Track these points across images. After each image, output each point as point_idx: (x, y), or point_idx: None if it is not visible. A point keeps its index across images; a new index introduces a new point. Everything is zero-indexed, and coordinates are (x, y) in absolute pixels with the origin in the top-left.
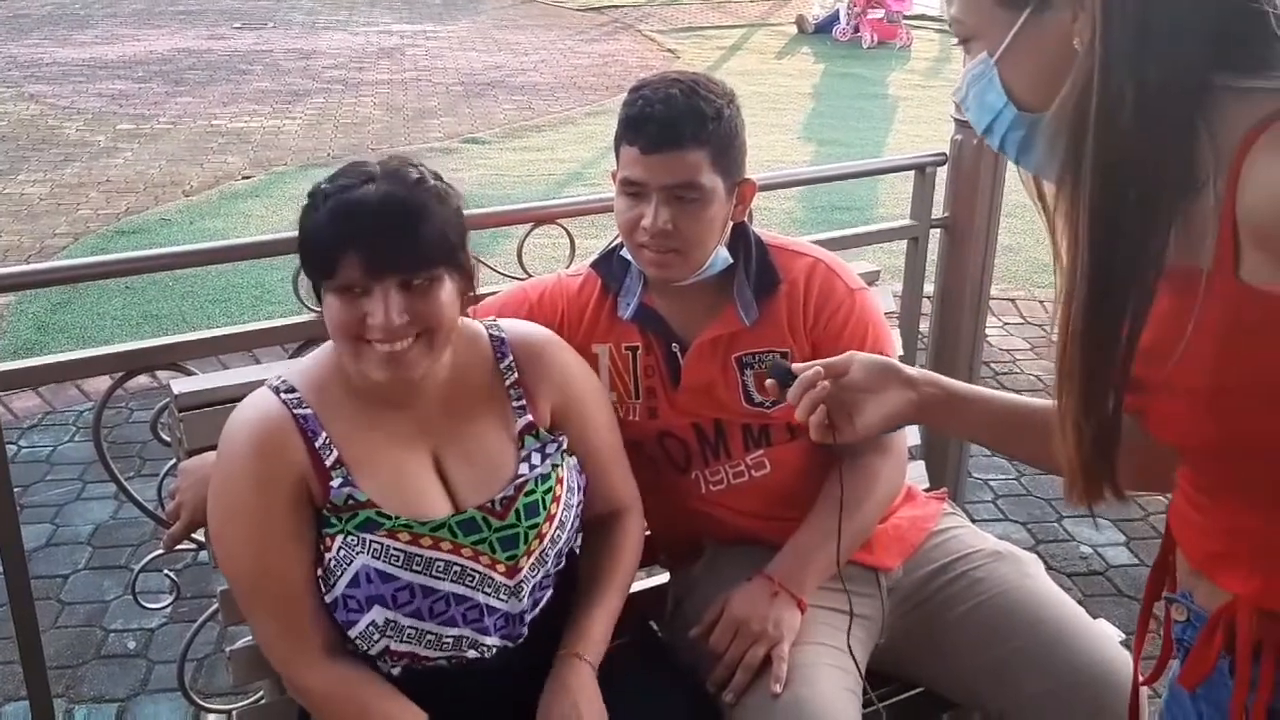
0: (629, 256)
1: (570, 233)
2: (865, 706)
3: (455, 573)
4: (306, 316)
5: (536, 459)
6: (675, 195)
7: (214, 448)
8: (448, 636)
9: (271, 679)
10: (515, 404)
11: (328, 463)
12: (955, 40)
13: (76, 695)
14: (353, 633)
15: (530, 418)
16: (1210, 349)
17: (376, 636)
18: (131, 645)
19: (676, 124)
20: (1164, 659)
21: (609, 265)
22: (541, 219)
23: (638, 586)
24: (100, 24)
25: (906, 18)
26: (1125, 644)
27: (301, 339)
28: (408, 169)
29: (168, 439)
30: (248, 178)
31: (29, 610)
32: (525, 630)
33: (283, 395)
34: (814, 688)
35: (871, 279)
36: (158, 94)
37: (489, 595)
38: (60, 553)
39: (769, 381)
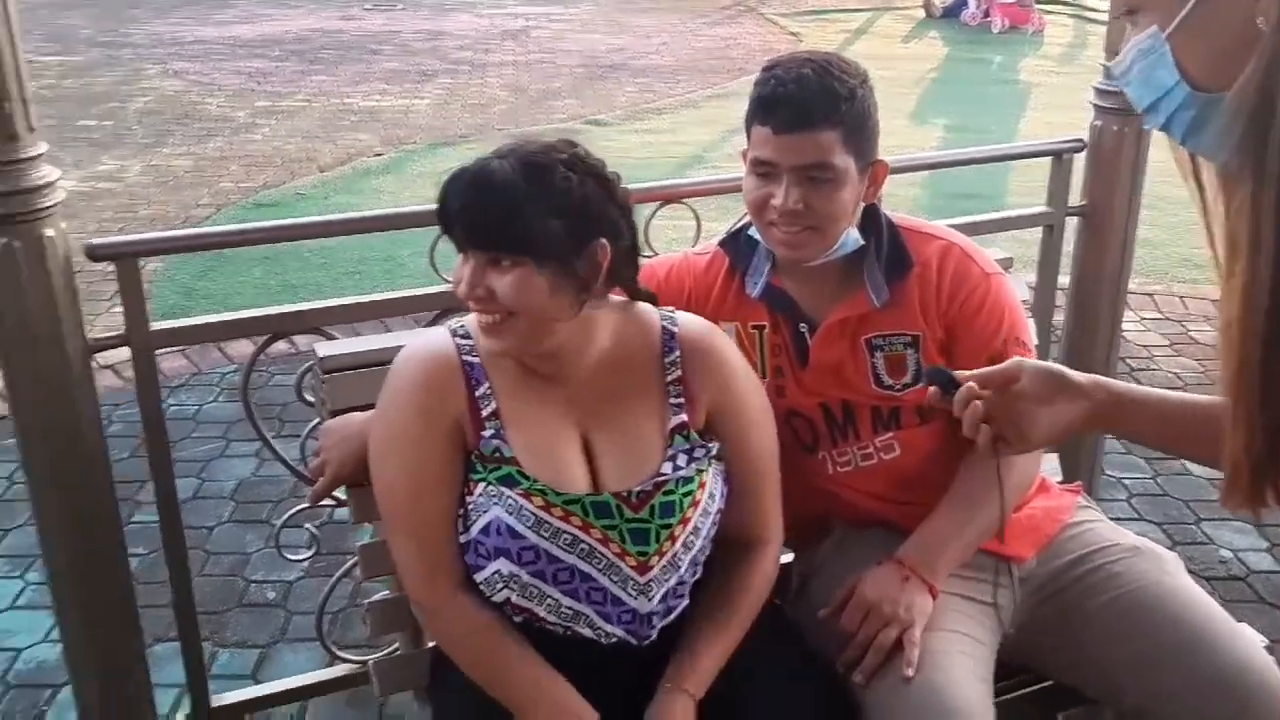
0: (757, 236)
1: (696, 212)
2: (996, 696)
3: (583, 550)
4: (442, 287)
5: (682, 460)
6: (807, 175)
7: (356, 409)
8: (566, 607)
9: (406, 632)
10: (673, 400)
11: (484, 412)
12: (1121, 11)
13: (220, 640)
14: (478, 577)
15: (685, 417)
16: None
17: (500, 585)
18: (271, 595)
19: (809, 104)
20: None
21: (736, 243)
22: (669, 198)
23: None
24: (239, 3)
25: (1039, 1)
26: (1269, 649)
27: (438, 309)
28: (544, 152)
29: (311, 400)
30: (379, 155)
31: (182, 558)
32: (654, 634)
33: (458, 339)
34: (947, 674)
35: (1005, 265)
36: (293, 72)
37: (616, 584)
38: (206, 505)
39: (931, 389)
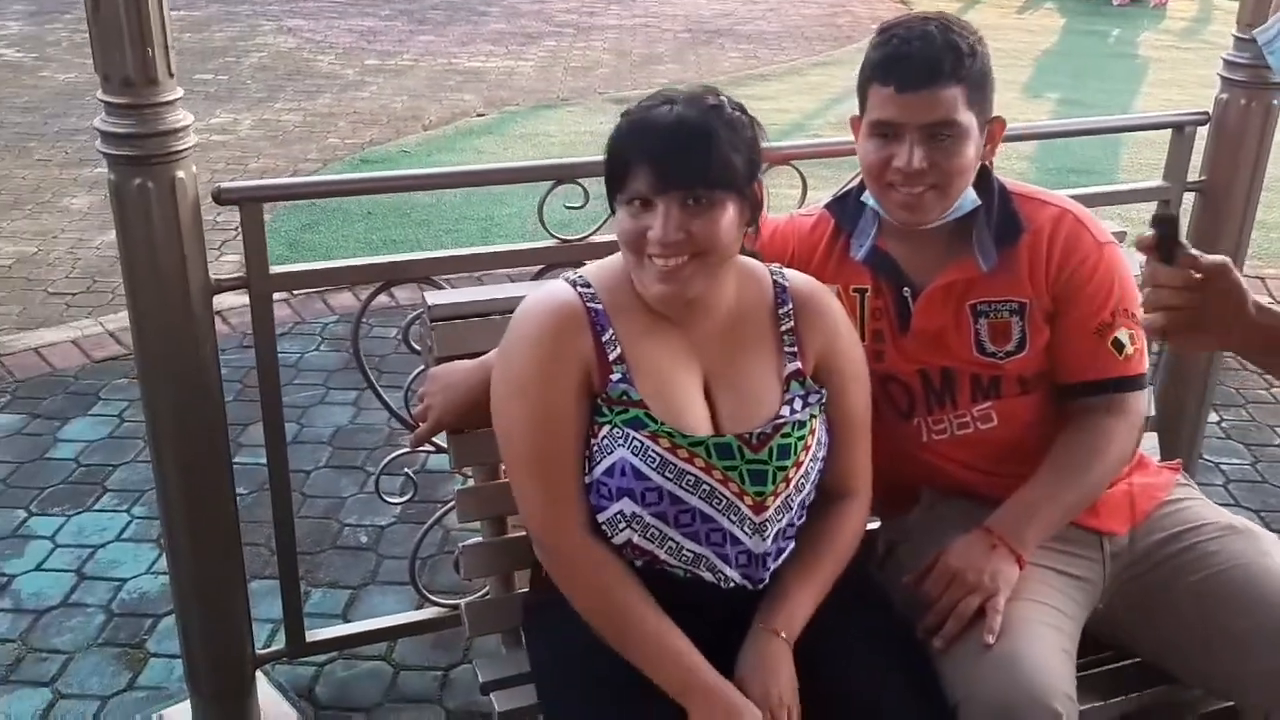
0: (867, 200)
1: (803, 174)
2: (1081, 670)
3: (704, 491)
4: (550, 242)
5: (798, 405)
6: (931, 134)
7: (461, 356)
8: (688, 550)
9: (497, 577)
10: (787, 349)
11: (611, 357)
12: None
13: (314, 580)
14: (601, 517)
15: (799, 365)
16: None
17: (622, 525)
18: (364, 539)
19: (936, 60)
20: None
21: (844, 206)
22: (776, 160)
23: None
24: None
25: None
26: None
27: (544, 263)
28: (706, 95)
29: (418, 347)
30: (481, 115)
31: (286, 499)
32: (767, 576)
33: (579, 288)
34: (1030, 644)
35: (1119, 238)
36: (402, 32)
37: (734, 524)
38: (304, 450)
39: (1150, 234)
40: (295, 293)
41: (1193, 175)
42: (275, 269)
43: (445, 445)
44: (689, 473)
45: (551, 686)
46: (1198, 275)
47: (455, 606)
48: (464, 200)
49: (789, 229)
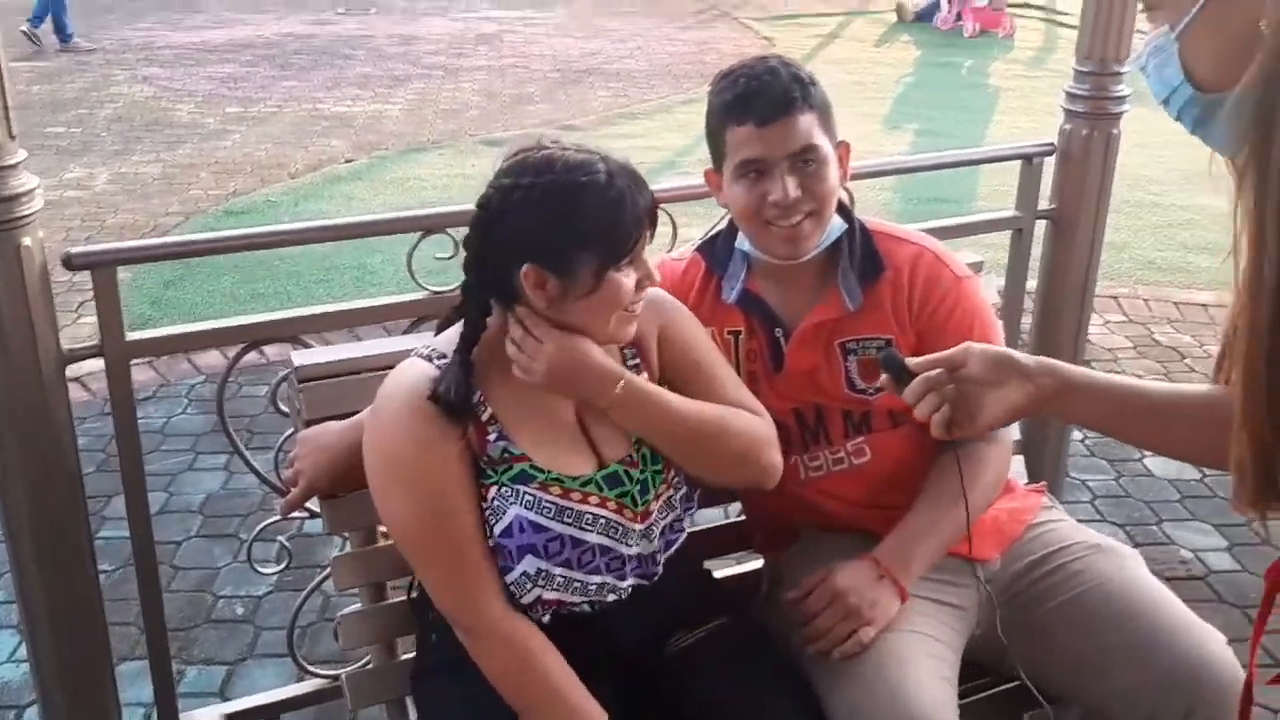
0: (739, 244)
1: (673, 217)
2: (962, 697)
3: (602, 525)
4: (421, 295)
5: None
6: (798, 162)
7: (333, 417)
8: (592, 584)
9: (380, 644)
10: (630, 362)
11: (483, 418)
12: (1141, 8)
13: (188, 657)
14: (506, 579)
15: (646, 374)
16: None
17: (529, 585)
18: (240, 611)
19: (787, 90)
20: None
21: (714, 248)
22: None
23: (732, 570)
24: (209, 8)
25: (1010, 5)
26: (1229, 645)
27: (415, 316)
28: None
29: (286, 409)
30: (350, 161)
31: (153, 573)
32: (660, 569)
33: (435, 362)
34: (912, 674)
35: (976, 269)
36: (265, 78)
37: (630, 546)
38: (173, 520)
39: (883, 376)
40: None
41: (1043, 203)
42: (132, 335)
43: (315, 510)
44: (586, 512)
45: None
46: (940, 372)
47: (337, 677)
48: (335, 249)
49: (662, 271)
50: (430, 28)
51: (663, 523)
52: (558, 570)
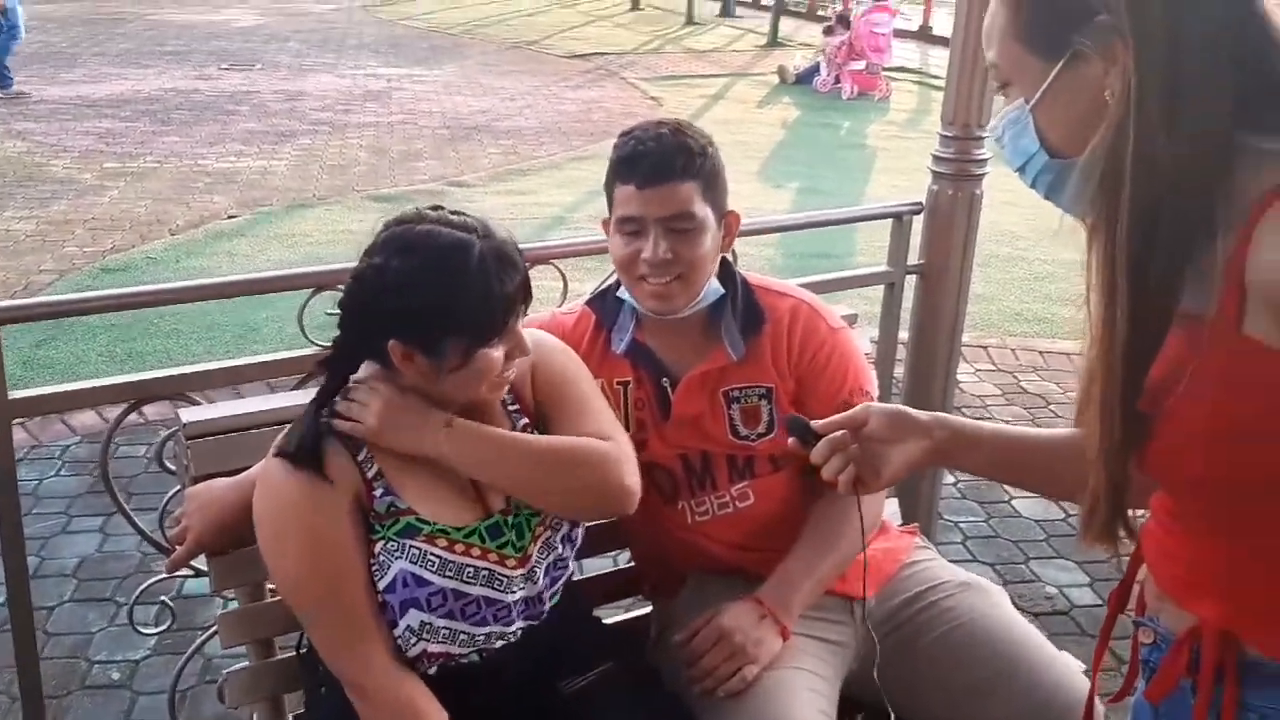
0: (624, 295)
1: (564, 273)
2: None
3: (484, 577)
4: (310, 351)
5: None
6: (672, 227)
7: (220, 474)
8: (479, 634)
9: (266, 702)
10: (511, 408)
11: (370, 475)
12: (996, 84)
13: None
14: (394, 632)
15: (526, 420)
16: (1208, 393)
17: (414, 640)
18: (116, 676)
19: (669, 158)
20: (1130, 679)
21: (603, 302)
22: (537, 259)
23: (622, 616)
24: (88, 63)
25: (886, 70)
26: (1088, 674)
27: (304, 372)
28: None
29: (172, 467)
30: (233, 217)
31: (30, 639)
32: (546, 608)
33: (323, 420)
34: (792, 709)
35: (850, 321)
36: (145, 133)
37: (513, 592)
38: (46, 585)
39: (790, 440)
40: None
41: (913, 258)
42: (14, 394)
43: (205, 568)
44: (468, 565)
45: None
46: (844, 434)
47: None
48: (216, 306)
49: (553, 326)
50: (317, 84)
51: (544, 563)
52: (441, 623)
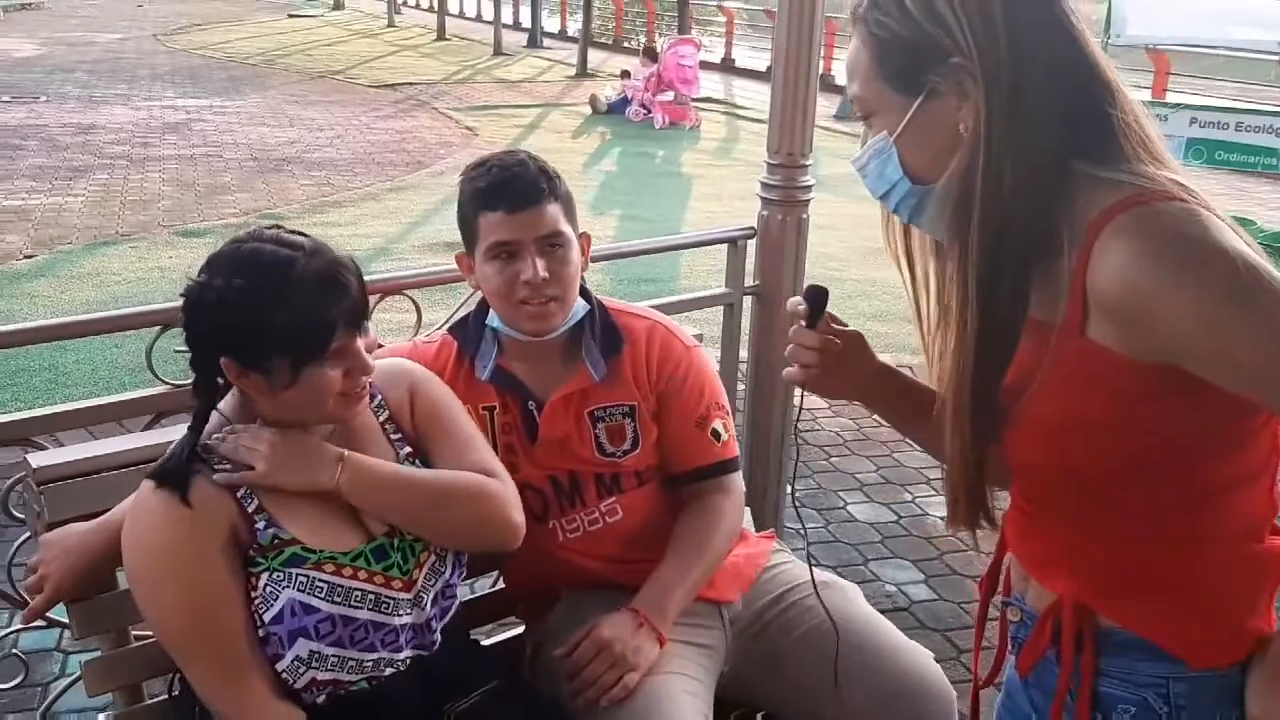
0: (489, 322)
1: (417, 302)
2: None
3: (371, 601)
4: (162, 389)
5: None
6: (546, 246)
7: (76, 519)
8: (368, 661)
9: None
10: (393, 437)
11: (250, 509)
12: (859, 116)
13: None
14: (279, 666)
15: (409, 448)
16: (1057, 391)
17: (302, 670)
18: None
19: (535, 181)
20: (1000, 658)
21: (464, 330)
22: (389, 290)
23: (498, 638)
24: None
25: (695, 100)
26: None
27: (153, 412)
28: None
29: (20, 514)
30: (30, 256)
31: None
32: (438, 637)
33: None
34: (673, 713)
35: (698, 339)
36: None
37: (400, 616)
38: None
39: (799, 305)
40: None
41: (749, 280)
42: None
43: (56, 619)
44: (355, 589)
45: None
46: (837, 342)
47: None
48: (18, 352)
49: (414, 355)
50: (110, 116)
51: (432, 589)
52: (330, 650)
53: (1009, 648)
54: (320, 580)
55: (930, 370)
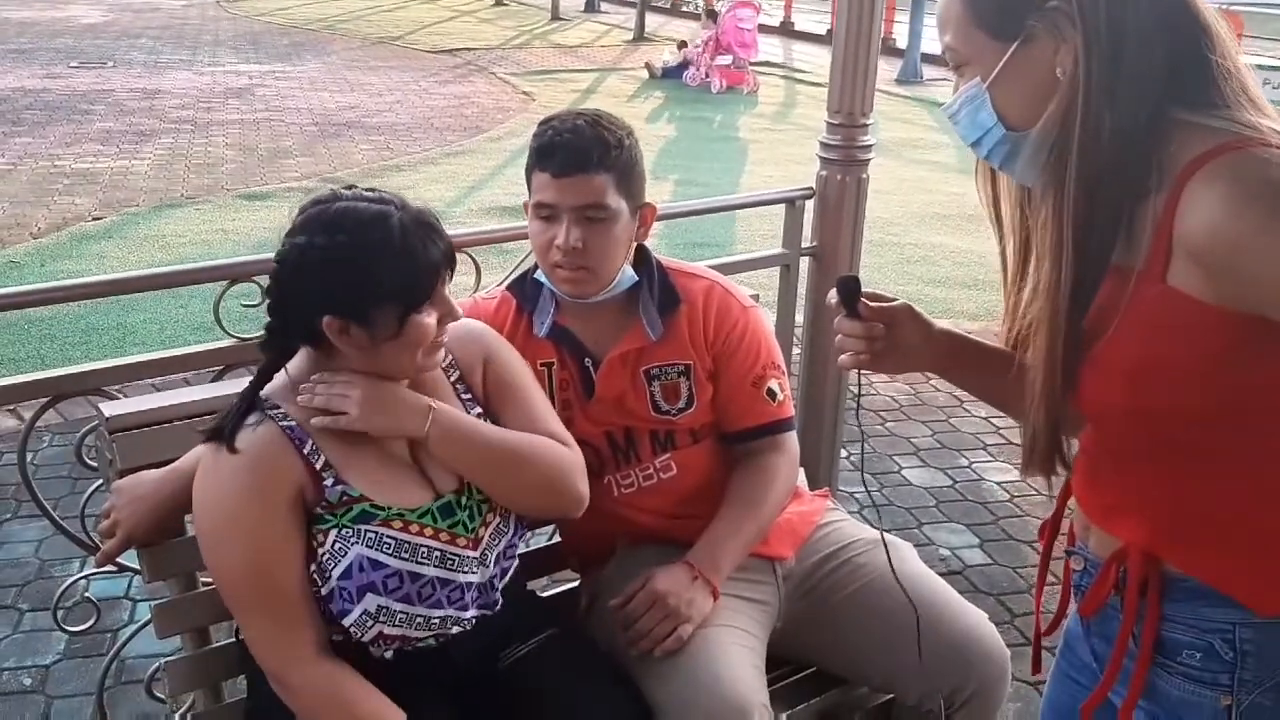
0: (542, 279)
1: (477, 260)
2: (768, 685)
3: (437, 558)
4: (227, 342)
5: None
6: (584, 216)
7: (146, 467)
8: (435, 617)
9: (206, 691)
10: (464, 397)
11: (318, 466)
12: (951, 65)
13: None
14: (347, 621)
15: (479, 409)
16: (1134, 334)
17: (370, 624)
18: (28, 682)
19: (584, 150)
20: (1061, 610)
21: (523, 287)
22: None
23: (552, 590)
24: None
25: (753, 64)
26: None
27: (221, 364)
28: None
29: (92, 463)
30: (98, 219)
31: None
32: (499, 597)
33: (268, 411)
34: (727, 664)
35: (755, 301)
36: None
37: (466, 574)
38: None
39: (834, 300)
40: None
41: (806, 242)
42: None
43: (126, 564)
44: (422, 545)
45: None
46: (879, 326)
47: None
48: (90, 310)
49: (474, 312)
50: (175, 81)
51: (495, 549)
52: (398, 606)
53: (1070, 598)
54: (388, 537)
55: (1006, 320)
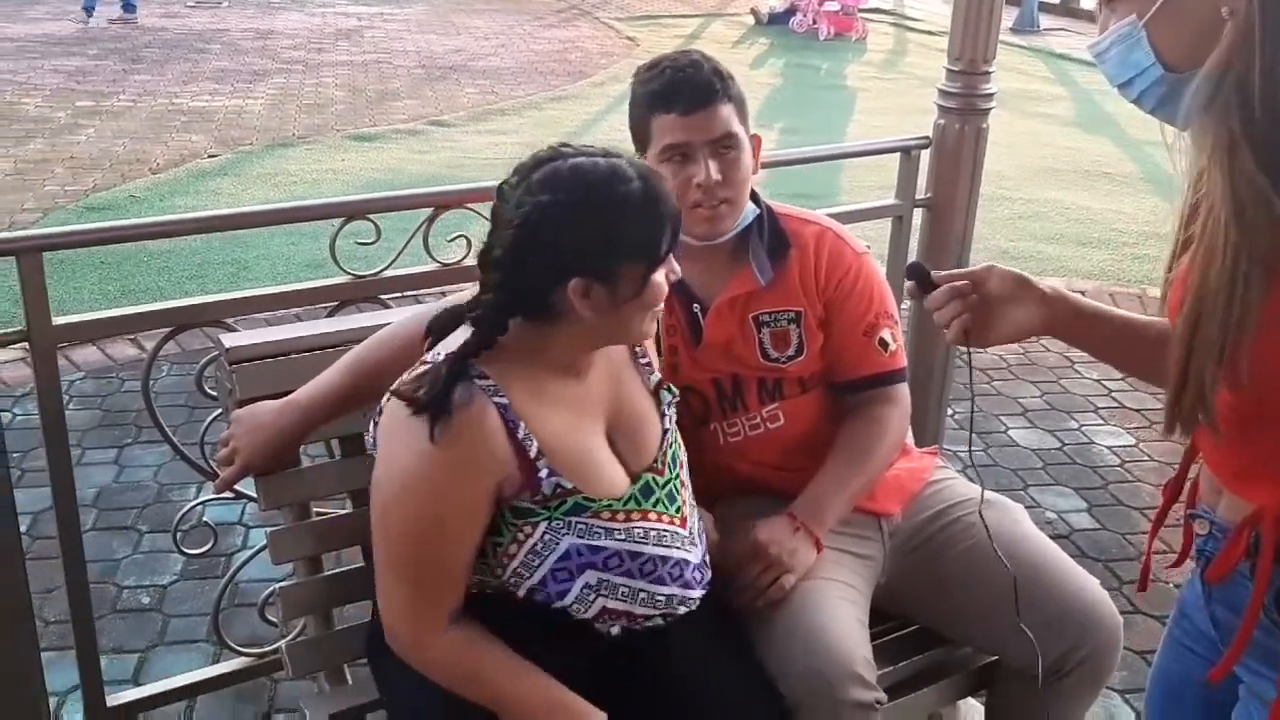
0: None
1: None
2: (871, 640)
3: (654, 536)
4: (343, 279)
5: (669, 412)
6: (719, 149)
7: (265, 397)
8: (660, 595)
9: (318, 617)
10: (644, 362)
11: (531, 454)
12: (1099, 2)
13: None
14: (566, 601)
15: (659, 375)
16: None
17: (592, 597)
18: (146, 600)
19: (709, 83)
20: (1183, 555)
21: None
22: None
23: None
24: (50, 1)
25: (862, 11)
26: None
27: (338, 300)
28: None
29: (212, 392)
30: (214, 156)
31: (79, 564)
32: (708, 572)
33: (478, 382)
34: (832, 618)
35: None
36: (115, 71)
37: (682, 549)
38: None
39: (908, 285)
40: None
41: (920, 193)
42: (59, 320)
43: (243, 492)
44: (635, 528)
45: (412, 706)
46: (965, 282)
47: (262, 656)
48: (204, 245)
49: None
50: (287, 22)
51: (696, 525)
52: (619, 579)
53: (1191, 554)
54: (599, 526)
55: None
